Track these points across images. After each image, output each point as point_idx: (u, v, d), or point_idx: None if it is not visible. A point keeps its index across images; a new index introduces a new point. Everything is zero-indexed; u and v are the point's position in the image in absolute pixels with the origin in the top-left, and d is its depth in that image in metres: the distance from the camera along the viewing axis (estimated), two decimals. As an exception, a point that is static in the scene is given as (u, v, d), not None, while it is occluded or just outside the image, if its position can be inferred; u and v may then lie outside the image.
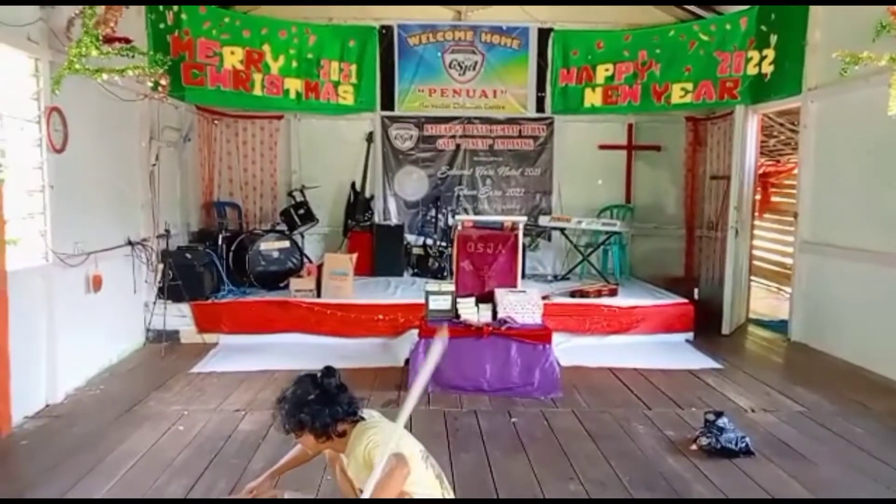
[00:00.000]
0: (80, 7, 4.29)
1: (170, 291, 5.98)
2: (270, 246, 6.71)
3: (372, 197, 8.05)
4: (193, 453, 3.59)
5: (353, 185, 7.95)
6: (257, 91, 6.95)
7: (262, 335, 5.99)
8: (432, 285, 4.99)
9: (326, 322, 6.01)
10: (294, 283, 6.24)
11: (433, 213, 7.94)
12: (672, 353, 5.77)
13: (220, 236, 6.71)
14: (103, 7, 4.37)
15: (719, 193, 7.68)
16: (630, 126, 8.16)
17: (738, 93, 6.76)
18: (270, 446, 3.68)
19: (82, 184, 4.84)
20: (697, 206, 8.19)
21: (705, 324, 6.35)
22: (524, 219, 5.23)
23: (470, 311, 4.84)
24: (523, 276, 6.79)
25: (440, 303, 4.88)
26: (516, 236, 5.18)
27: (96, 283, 4.95)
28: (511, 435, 3.90)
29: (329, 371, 2.43)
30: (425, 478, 2.35)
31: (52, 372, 4.37)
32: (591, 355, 5.58)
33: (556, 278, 7.51)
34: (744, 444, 3.52)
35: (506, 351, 4.64)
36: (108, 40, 4.46)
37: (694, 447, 3.61)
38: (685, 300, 6.39)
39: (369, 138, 8.03)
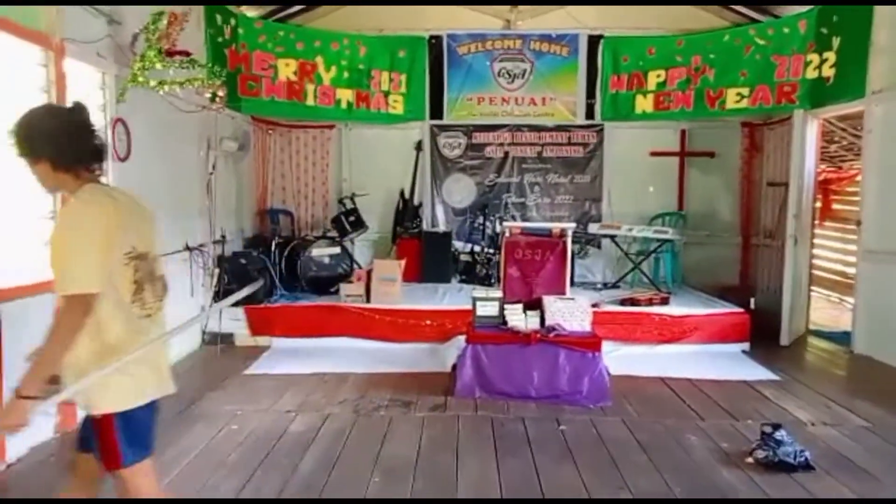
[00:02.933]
0: (144, 23, 4.50)
1: (226, 295, 6.14)
2: (322, 252, 6.84)
3: (420, 204, 8.12)
4: (245, 452, 3.68)
5: (401, 192, 8.04)
6: (310, 101, 7.12)
7: (312, 339, 6.10)
8: (480, 291, 5.00)
9: (375, 327, 6.09)
10: (344, 288, 6.34)
11: (481, 220, 7.95)
12: (727, 363, 5.61)
13: (274, 242, 6.87)
14: (166, 23, 4.57)
15: (777, 201, 7.45)
16: (683, 132, 8.01)
17: (797, 97, 6.56)
18: (320, 448, 3.75)
19: (143, 191, 4.92)
20: (754, 214, 7.96)
21: (762, 334, 6.14)
22: (573, 225, 5.20)
23: (517, 317, 4.82)
24: (572, 283, 6.71)
25: (488, 309, 4.87)
26: (565, 243, 5.15)
27: (156, 287, 5.13)
28: (559, 442, 3.86)
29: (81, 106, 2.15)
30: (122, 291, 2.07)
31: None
32: (642, 364, 5.47)
33: (605, 286, 7.41)
34: (803, 459, 3.38)
35: (554, 358, 4.59)
36: (170, 54, 4.65)
37: (750, 460, 3.50)
38: (741, 309, 6.21)
39: (418, 146, 8.12)
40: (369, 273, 6.41)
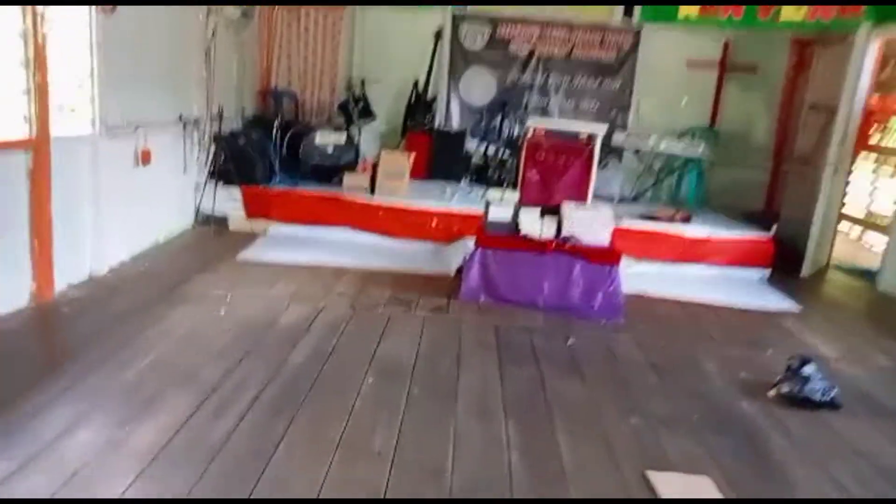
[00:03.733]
0: None
1: (221, 175, 5.79)
2: (326, 139, 6.40)
3: (434, 98, 7.58)
4: (232, 339, 3.43)
5: (415, 83, 7.48)
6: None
7: (311, 227, 5.77)
8: (495, 193, 4.61)
9: (378, 221, 5.75)
10: (348, 178, 5.96)
11: (498, 120, 7.45)
12: (747, 289, 5.32)
13: (276, 124, 6.41)
14: None
15: (817, 126, 6.91)
16: (726, 43, 7.35)
17: (864, 11, 5.90)
18: (313, 338, 3.50)
19: (133, 50, 4.55)
20: (790, 138, 7.44)
21: (781, 264, 5.82)
22: (603, 128, 4.72)
23: (533, 223, 4.47)
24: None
25: (501, 212, 4.52)
26: (592, 149, 4.72)
27: (145, 158, 4.75)
28: (567, 356, 3.61)
29: None
30: None
31: (97, 243, 4.24)
32: (658, 284, 5.18)
33: (623, 201, 7.01)
34: (829, 398, 3.13)
35: (568, 269, 4.29)
36: None
37: (772, 393, 3.24)
38: (765, 235, 5.86)
39: (437, 35, 7.48)
40: (375, 165, 6.00)
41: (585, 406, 3.04)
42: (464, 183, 7.18)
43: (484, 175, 7.23)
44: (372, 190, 5.92)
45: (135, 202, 4.72)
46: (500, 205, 4.55)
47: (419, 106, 7.46)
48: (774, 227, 6.62)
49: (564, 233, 4.44)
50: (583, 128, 4.86)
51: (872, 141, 8.11)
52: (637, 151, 6.90)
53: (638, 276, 5.26)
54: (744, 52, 7.38)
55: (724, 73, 7.46)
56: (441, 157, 7.21)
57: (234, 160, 5.77)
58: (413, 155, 6.12)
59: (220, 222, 5.80)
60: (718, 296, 5.00)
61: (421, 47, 7.51)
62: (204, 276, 4.46)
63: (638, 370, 3.49)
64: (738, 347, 3.98)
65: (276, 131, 6.38)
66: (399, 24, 7.47)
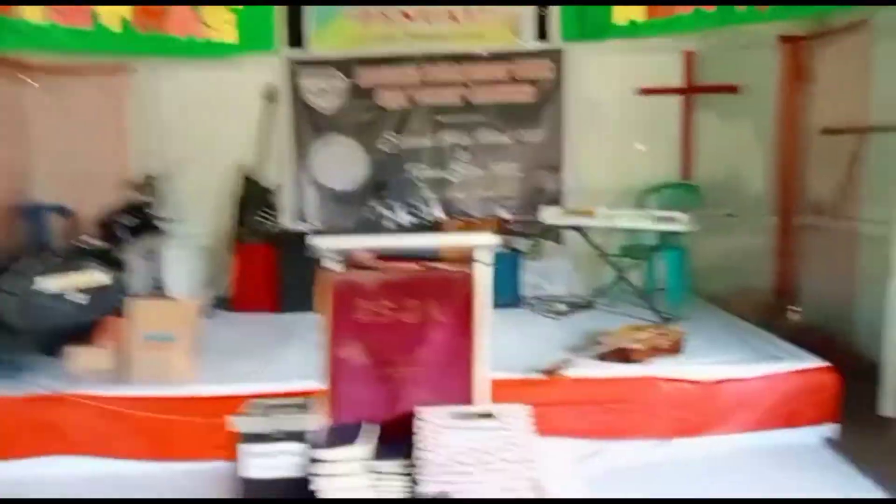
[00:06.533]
0: None
1: None
2: (63, 283, 3.79)
3: (276, 188, 5.16)
4: None
5: (242, 170, 5.07)
6: (34, 17, 3.95)
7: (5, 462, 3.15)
8: (255, 408, 2.03)
9: (129, 433, 3.14)
10: (78, 355, 3.37)
11: (375, 208, 5.05)
12: (811, 484, 2.80)
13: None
14: None
15: (839, 157, 4.62)
16: (688, 56, 5.13)
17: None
18: None
19: None
20: (797, 179, 5.12)
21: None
22: (493, 241, 2.21)
23: (351, 483, 1.92)
24: (515, 300, 4.06)
25: (274, 462, 1.97)
26: (472, 281, 2.21)
27: None
28: None
29: None
30: None
31: None
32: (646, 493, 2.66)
33: (571, 308, 4.56)
34: None
35: None
36: None
37: None
38: (823, 362, 3.39)
39: (270, 96, 5.12)
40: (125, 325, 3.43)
41: None
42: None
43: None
44: (128, 372, 3.34)
45: None
46: (268, 444, 1.99)
47: (252, 202, 5.02)
48: (791, 314, 4.48)
49: (433, 485, 1.90)
50: (448, 240, 2.36)
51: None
52: (582, 231, 4.50)
53: (608, 480, 2.71)
54: (717, 67, 5.17)
55: (691, 100, 5.20)
56: (293, 276, 4.76)
57: None
58: (195, 304, 3.57)
59: None
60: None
61: (246, 116, 5.16)
62: None
63: None
64: None
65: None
66: (210, 85, 5.12)
